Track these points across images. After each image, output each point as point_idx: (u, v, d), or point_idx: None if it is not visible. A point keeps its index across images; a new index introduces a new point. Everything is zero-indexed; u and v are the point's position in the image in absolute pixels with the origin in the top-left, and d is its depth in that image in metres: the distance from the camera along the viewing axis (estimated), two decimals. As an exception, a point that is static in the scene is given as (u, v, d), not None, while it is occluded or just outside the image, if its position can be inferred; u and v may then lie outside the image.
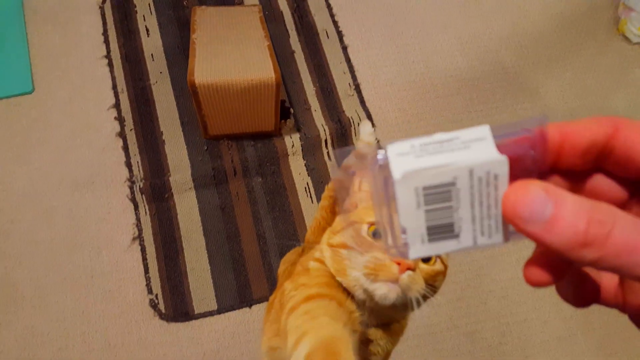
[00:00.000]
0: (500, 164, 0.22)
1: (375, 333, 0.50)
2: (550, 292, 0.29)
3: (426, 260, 0.46)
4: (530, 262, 0.25)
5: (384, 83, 1.28)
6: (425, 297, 0.45)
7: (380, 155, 0.24)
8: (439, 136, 0.24)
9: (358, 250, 0.45)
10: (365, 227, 0.46)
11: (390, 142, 0.24)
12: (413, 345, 1.06)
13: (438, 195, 0.24)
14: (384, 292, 0.44)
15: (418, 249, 0.25)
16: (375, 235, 0.45)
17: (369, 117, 1.23)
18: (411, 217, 0.24)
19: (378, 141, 0.75)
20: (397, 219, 0.25)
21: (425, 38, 1.34)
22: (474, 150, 0.23)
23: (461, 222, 0.24)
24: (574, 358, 1.08)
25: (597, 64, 1.36)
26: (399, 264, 0.43)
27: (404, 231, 0.25)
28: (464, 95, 1.29)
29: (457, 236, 0.25)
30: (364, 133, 0.73)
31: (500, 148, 0.23)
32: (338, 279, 0.47)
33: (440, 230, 0.25)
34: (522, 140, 0.24)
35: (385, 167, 0.24)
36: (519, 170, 0.23)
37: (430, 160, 0.23)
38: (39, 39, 1.26)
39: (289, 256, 0.80)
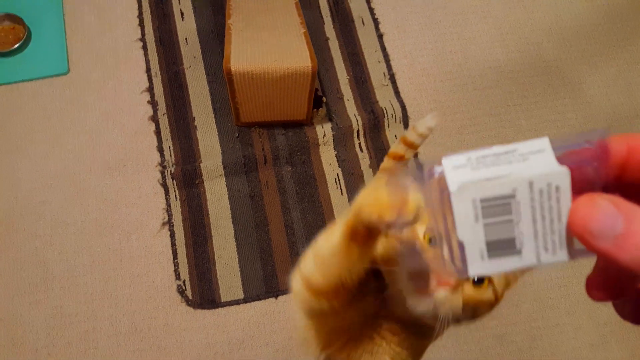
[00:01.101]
0: (562, 175, 0.21)
1: (387, 332, 0.45)
2: (585, 296, 0.25)
3: (479, 281, 0.40)
4: (592, 279, 0.23)
5: (420, 73, 1.21)
6: (457, 321, 0.39)
7: (436, 168, 0.23)
8: (497, 148, 0.23)
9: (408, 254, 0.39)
10: (422, 229, 0.40)
11: (447, 154, 0.23)
12: (439, 345, 1.00)
13: (497, 208, 0.22)
14: (414, 301, 0.39)
15: (477, 265, 0.23)
16: (431, 242, 0.39)
17: (403, 108, 1.16)
18: (469, 231, 0.23)
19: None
20: (455, 234, 0.23)
21: (463, 27, 1.26)
22: (534, 162, 0.22)
23: (522, 237, 0.22)
24: (609, 366, 1.01)
25: (644, 59, 1.26)
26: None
27: (461, 246, 0.23)
28: (503, 88, 1.20)
29: (519, 252, 0.23)
30: (423, 124, 0.65)
31: (561, 160, 0.21)
32: (381, 266, 0.42)
33: (501, 246, 0.23)
34: (583, 152, 0.22)
35: (441, 180, 0.23)
36: (582, 183, 0.21)
37: (487, 172, 0.22)
38: (74, 19, 1.23)
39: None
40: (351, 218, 0.35)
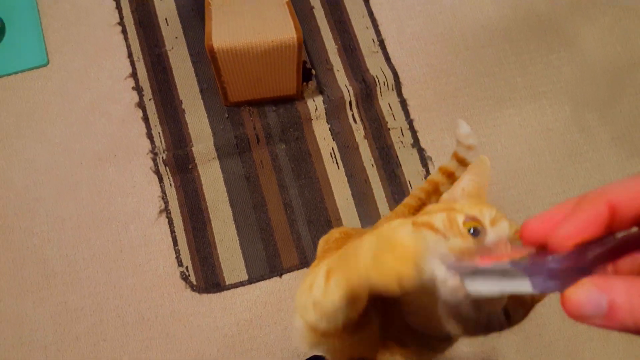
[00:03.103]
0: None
1: (393, 342, 0.38)
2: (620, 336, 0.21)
3: None
4: None
5: (410, 37, 1.13)
6: (491, 325, 0.31)
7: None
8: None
9: (443, 235, 0.31)
10: (461, 217, 0.32)
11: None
12: None
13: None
14: (456, 284, 0.28)
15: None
16: (474, 233, 0.31)
17: (395, 75, 1.09)
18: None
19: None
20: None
21: (452, -14, 1.17)
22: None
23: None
24: None
25: (638, 7, 1.17)
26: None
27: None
28: (496, 46, 1.13)
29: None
30: (463, 136, 0.60)
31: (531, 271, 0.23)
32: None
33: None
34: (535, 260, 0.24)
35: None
36: (567, 273, 0.22)
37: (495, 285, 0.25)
38: (49, 8, 1.14)
39: (332, 234, 0.67)
40: (355, 280, 0.28)
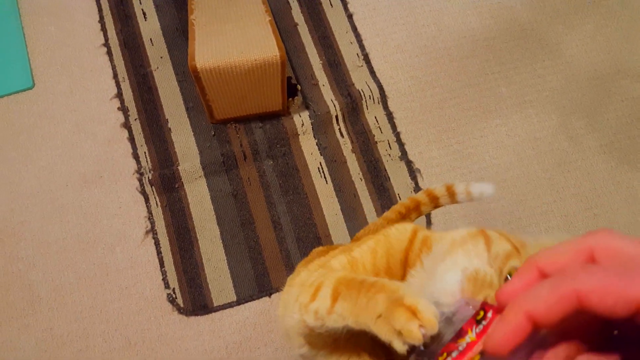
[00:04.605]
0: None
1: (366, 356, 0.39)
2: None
3: None
4: None
5: (394, 50, 1.10)
6: None
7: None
8: None
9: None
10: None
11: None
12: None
13: None
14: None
15: None
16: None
17: (380, 88, 1.07)
18: None
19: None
20: None
21: (434, -1, 1.15)
22: None
23: None
24: None
25: (619, 13, 1.16)
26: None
27: None
28: (480, 57, 1.10)
29: None
30: (479, 190, 0.62)
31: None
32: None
33: None
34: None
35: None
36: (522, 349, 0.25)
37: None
38: (35, 31, 1.11)
39: (312, 255, 0.66)
40: (361, 319, 0.32)
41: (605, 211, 0.98)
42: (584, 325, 0.25)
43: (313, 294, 0.36)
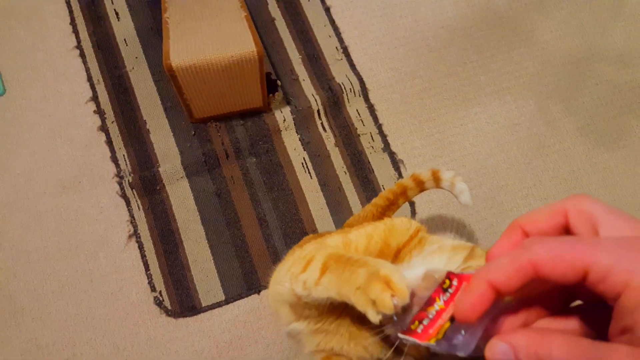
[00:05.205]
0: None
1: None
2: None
3: None
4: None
5: (373, 42, 1.10)
6: None
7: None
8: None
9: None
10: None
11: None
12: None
13: None
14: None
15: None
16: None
17: (361, 81, 1.06)
18: None
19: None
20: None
21: (410, -10, 1.15)
22: None
23: None
24: None
25: (591, -2, 1.17)
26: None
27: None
28: (458, 46, 1.10)
29: None
30: (458, 181, 0.67)
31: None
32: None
33: None
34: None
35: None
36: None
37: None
38: (3, 36, 1.07)
39: (303, 241, 0.68)
40: (343, 291, 0.35)
41: (583, 191, 0.99)
42: (547, 294, 0.28)
43: (304, 266, 0.38)
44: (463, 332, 0.27)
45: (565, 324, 0.27)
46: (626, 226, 0.25)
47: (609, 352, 0.22)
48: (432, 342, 0.28)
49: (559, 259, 0.23)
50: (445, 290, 0.31)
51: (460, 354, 0.27)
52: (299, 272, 0.39)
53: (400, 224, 0.43)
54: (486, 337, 0.27)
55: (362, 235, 0.42)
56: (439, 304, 0.30)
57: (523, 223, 0.28)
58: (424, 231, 0.43)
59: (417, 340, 0.29)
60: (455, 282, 0.31)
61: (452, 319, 0.29)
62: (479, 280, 0.25)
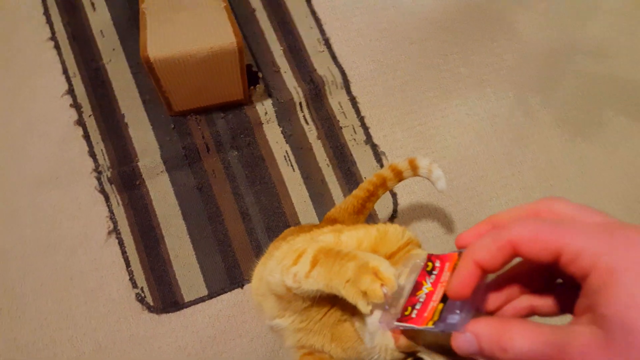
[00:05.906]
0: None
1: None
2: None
3: None
4: None
5: (355, 34, 1.08)
6: None
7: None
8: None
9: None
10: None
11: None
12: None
13: None
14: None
15: None
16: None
17: (343, 73, 1.05)
18: None
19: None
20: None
21: (392, -19, 1.13)
22: None
23: None
24: None
25: (570, -9, 1.17)
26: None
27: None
28: (439, 38, 1.10)
29: None
30: (436, 171, 0.69)
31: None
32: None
33: None
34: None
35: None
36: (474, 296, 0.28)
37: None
38: (-27, 27, 1.03)
39: (285, 234, 0.67)
40: (333, 283, 0.35)
41: (561, 181, 1.01)
42: (529, 272, 0.29)
43: (295, 259, 0.39)
44: (458, 310, 0.28)
45: (544, 301, 0.29)
46: (595, 220, 0.26)
47: (571, 336, 0.22)
48: (430, 325, 0.29)
49: (535, 240, 0.25)
50: (430, 273, 0.32)
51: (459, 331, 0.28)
52: (290, 265, 0.39)
53: (394, 232, 0.42)
54: (474, 315, 0.28)
55: (353, 239, 0.42)
56: (427, 287, 0.31)
57: (495, 220, 0.29)
58: (415, 244, 0.42)
59: (415, 326, 0.30)
60: (437, 264, 0.32)
61: (444, 300, 0.29)
62: (466, 260, 0.27)
